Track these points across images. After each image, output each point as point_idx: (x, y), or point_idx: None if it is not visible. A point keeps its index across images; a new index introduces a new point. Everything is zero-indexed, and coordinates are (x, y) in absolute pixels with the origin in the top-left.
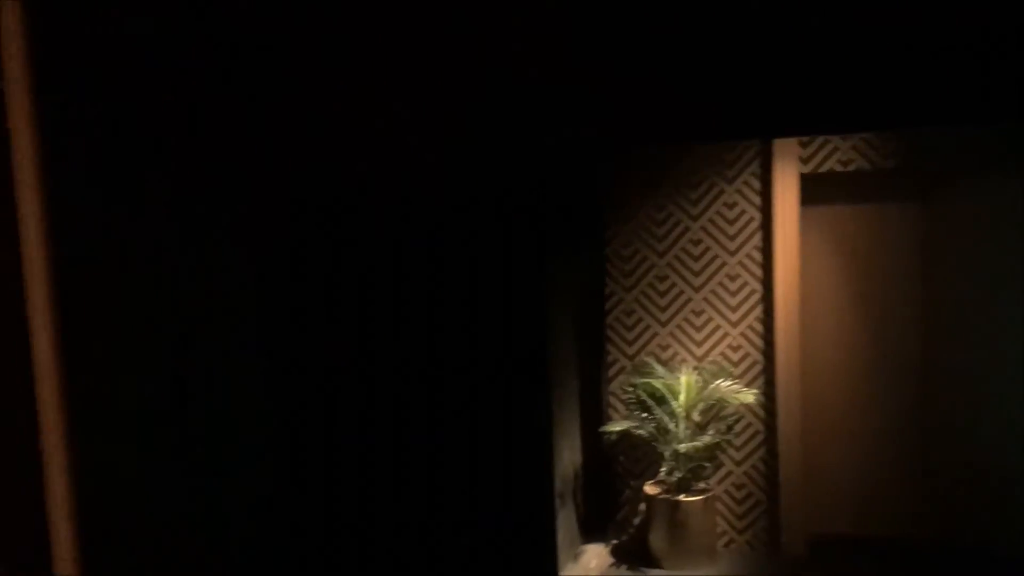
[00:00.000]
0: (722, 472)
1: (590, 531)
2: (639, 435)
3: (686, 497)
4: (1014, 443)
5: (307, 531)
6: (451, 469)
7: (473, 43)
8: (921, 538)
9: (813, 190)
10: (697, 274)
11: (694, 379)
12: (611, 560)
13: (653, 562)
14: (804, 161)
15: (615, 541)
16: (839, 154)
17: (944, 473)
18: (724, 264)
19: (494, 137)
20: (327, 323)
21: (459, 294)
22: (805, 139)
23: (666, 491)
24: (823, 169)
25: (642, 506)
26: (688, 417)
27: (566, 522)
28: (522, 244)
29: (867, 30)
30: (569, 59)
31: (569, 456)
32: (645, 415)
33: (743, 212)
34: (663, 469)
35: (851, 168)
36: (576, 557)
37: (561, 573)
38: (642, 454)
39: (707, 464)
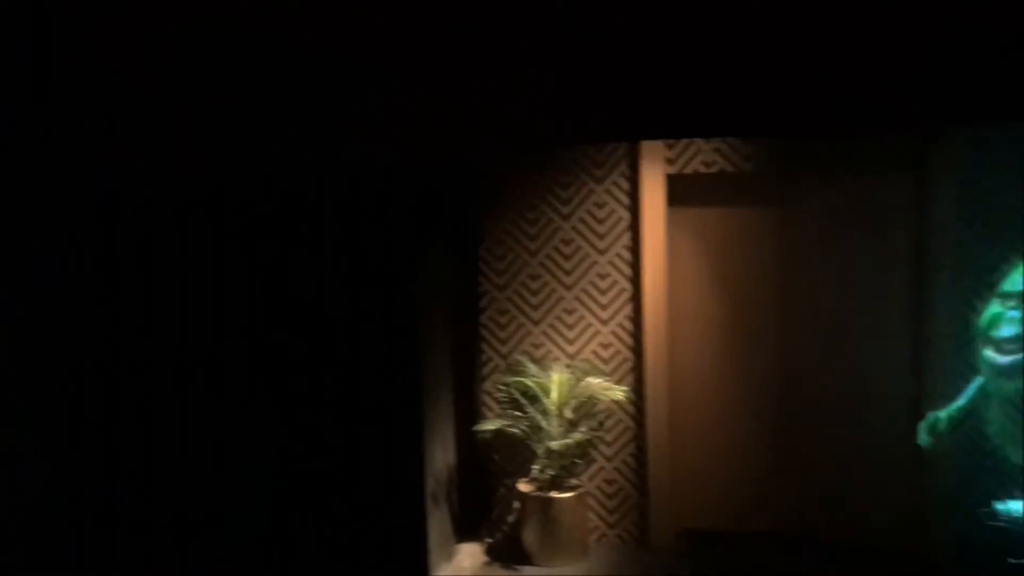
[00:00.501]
0: (594, 468)
1: (465, 530)
2: (512, 433)
3: (558, 494)
4: (880, 436)
5: (165, 529)
6: (320, 471)
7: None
8: (787, 531)
9: (679, 191)
10: (569, 273)
11: (566, 377)
12: (485, 559)
13: (526, 559)
14: (670, 162)
15: (489, 539)
16: (703, 156)
17: (809, 467)
18: (595, 263)
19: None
20: (185, 325)
21: (326, 298)
22: (671, 141)
23: (539, 488)
24: (688, 170)
25: (516, 504)
26: (560, 414)
27: (439, 522)
28: (390, 247)
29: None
30: (437, 64)
31: (443, 456)
32: (518, 413)
33: (612, 212)
34: (536, 466)
35: (714, 170)
36: (450, 557)
37: (434, 573)
38: (516, 452)
39: (579, 461)
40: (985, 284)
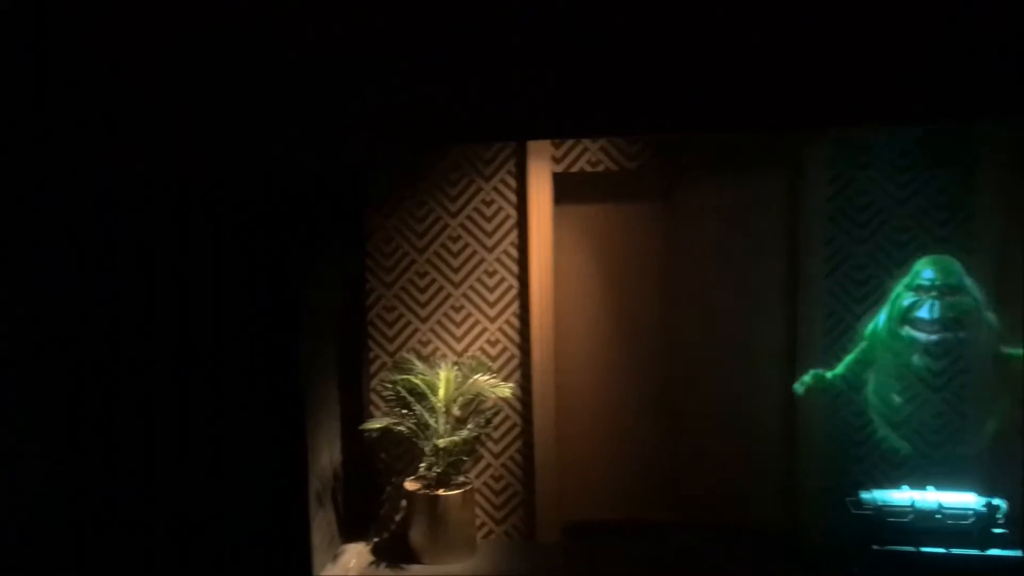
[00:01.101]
0: (481, 465)
1: (352, 530)
2: (399, 431)
3: (445, 491)
4: (758, 426)
5: (52, 529)
6: (199, 473)
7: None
8: (671, 520)
9: (566, 189)
10: (456, 270)
11: (453, 374)
12: (371, 558)
13: (413, 557)
14: (556, 161)
15: (376, 539)
16: (588, 155)
17: (692, 457)
18: (482, 261)
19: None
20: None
21: (208, 298)
22: (557, 140)
23: (426, 486)
24: (574, 169)
25: (403, 502)
26: (447, 412)
27: (324, 522)
28: (273, 246)
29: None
30: (327, 65)
31: (328, 456)
32: (405, 411)
33: (500, 210)
34: (423, 464)
35: (600, 168)
36: (335, 557)
37: (319, 574)
38: (403, 450)
39: (466, 458)
40: (854, 280)
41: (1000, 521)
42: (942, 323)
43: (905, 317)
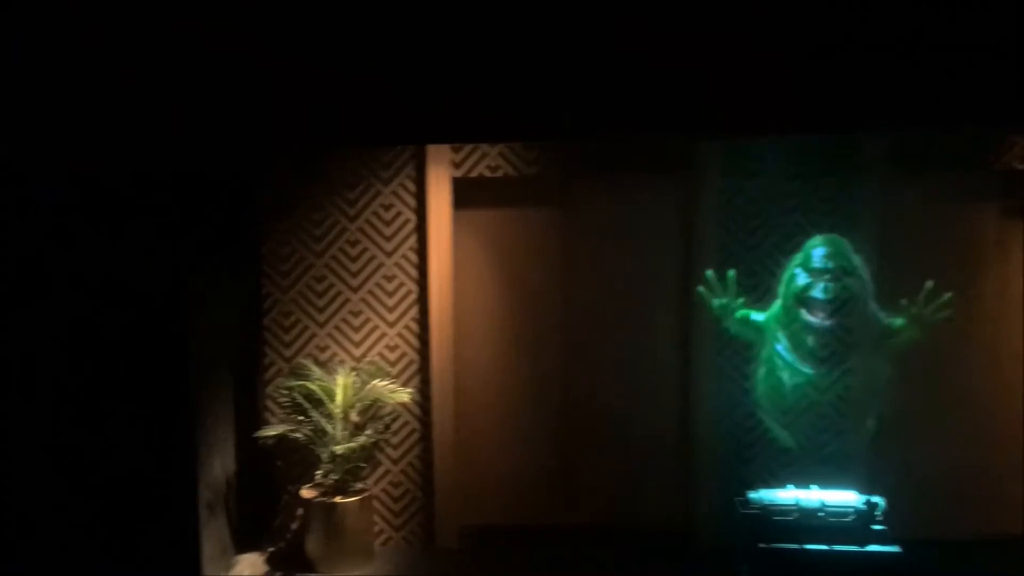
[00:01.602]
0: (380, 471)
1: (247, 540)
2: (296, 438)
3: (343, 498)
4: (653, 429)
5: None
6: (83, 482)
7: None
8: (570, 524)
9: (465, 194)
10: (355, 275)
11: (351, 380)
12: (266, 568)
13: (310, 566)
14: (456, 165)
15: (271, 548)
16: (488, 160)
17: (589, 461)
18: (381, 265)
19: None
20: None
21: (91, 301)
22: (456, 144)
23: (323, 494)
24: (473, 174)
25: (299, 510)
26: (345, 418)
27: (217, 533)
28: (160, 251)
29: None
30: (215, 65)
31: (221, 464)
32: (302, 418)
33: (399, 214)
34: (319, 472)
35: (499, 174)
36: (228, 568)
37: None
38: (300, 457)
39: (364, 464)
40: (745, 286)
41: (879, 518)
42: (834, 303)
43: (799, 297)
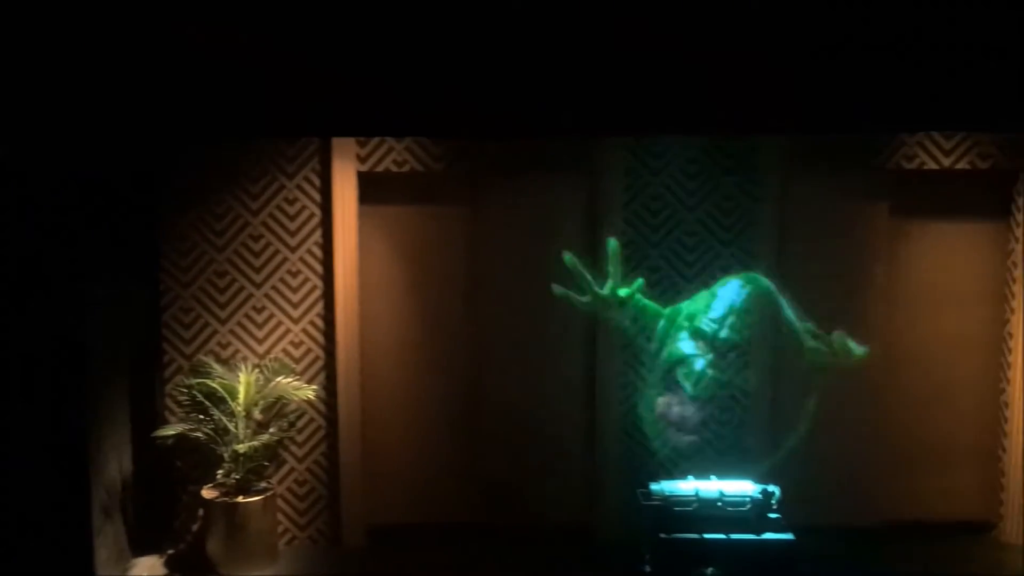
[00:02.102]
0: (284, 470)
1: (145, 543)
2: (196, 437)
3: (245, 498)
4: (557, 427)
5: None
6: None
7: None
8: (477, 520)
9: (372, 189)
10: (258, 270)
11: (254, 377)
12: (164, 571)
13: (211, 569)
14: (362, 160)
15: (171, 551)
16: (394, 155)
17: (496, 459)
18: (285, 260)
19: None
20: None
21: None
22: (363, 139)
23: (225, 494)
24: (380, 169)
25: (200, 511)
26: (248, 416)
27: (113, 535)
28: (53, 247)
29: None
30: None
31: (117, 465)
32: (202, 416)
33: (304, 208)
34: (220, 471)
35: (405, 169)
36: (125, 572)
37: None
38: (201, 457)
39: (267, 463)
40: (648, 282)
41: (774, 506)
42: (698, 403)
43: (672, 369)
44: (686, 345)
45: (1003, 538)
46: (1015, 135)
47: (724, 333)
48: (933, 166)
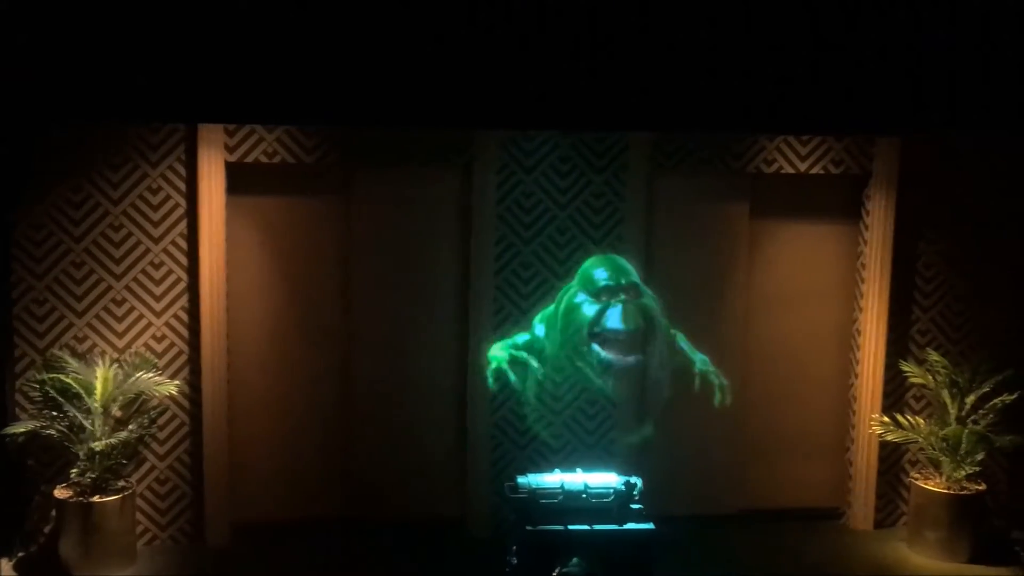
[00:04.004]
0: (145, 468)
1: None
2: (50, 435)
3: (101, 498)
4: (429, 421)
5: None
6: None
7: None
8: (348, 516)
9: (240, 179)
10: (118, 262)
11: (112, 372)
12: (14, 575)
13: (64, 571)
14: (230, 150)
15: (21, 554)
16: (264, 145)
17: (367, 454)
18: (148, 251)
19: None
20: None
21: None
22: (231, 127)
23: (80, 493)
24: (249, 159)
25: (53, 512)
26: (106, 413)
27: None
28: None
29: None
30: None
31: None
32: (56, 413)
33: (168, 198)
34: (75, 470)
35: (276, 160)
36: None
37: None
38: (55, 456)
39: (126, 461)
40: (521, 278)
41: (636, 497)
42: (634, 333)
43: (592, 330)
44: (589, 308)
45: (852, 524)
46: (864, 141)
47: (624, 279)
48: (790, 170)
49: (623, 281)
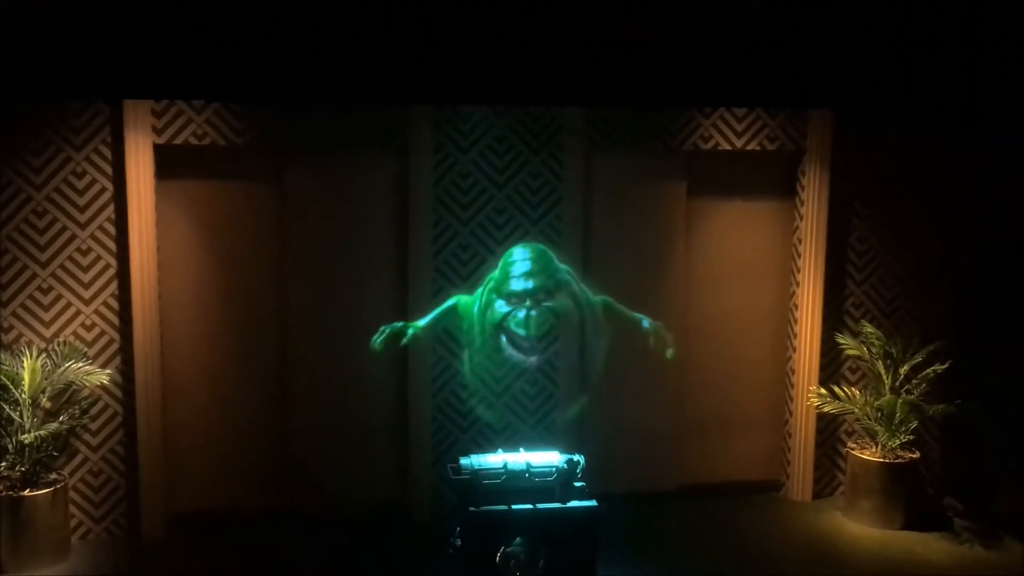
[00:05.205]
0: (77, 460)
1: None
2: None
3: (32, 492)
4: (370, 408)
5: None
6: None
7: None
8: (286, 507)
9: (170, 163)
10: (43, 248)
11: (40, 363)
12: None
13: None
14: (158, 132)
15: None
16: (194, 127)
17: (307, 442)
18: (74, 238)
19: None
20: None
21: None
22: (159, 109)
23: (9, 487)
24: (178, 141)
25: None
26: (35, 404)
27: None
28: None
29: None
30: None
31: None
32: None
33: (94, 182)
34: (3, 464)
35: (206, 142)
36: None
37: None
38: None
39: (57, 453)
40: (459, 259)
41: (579, 475)
42: (534, 339)
43: (501, 326)
44: (500, 306)
45: (790, 496)
46: (798, 117)
47: (533, 283)
48: (727, 146)
49: (532, 285)
